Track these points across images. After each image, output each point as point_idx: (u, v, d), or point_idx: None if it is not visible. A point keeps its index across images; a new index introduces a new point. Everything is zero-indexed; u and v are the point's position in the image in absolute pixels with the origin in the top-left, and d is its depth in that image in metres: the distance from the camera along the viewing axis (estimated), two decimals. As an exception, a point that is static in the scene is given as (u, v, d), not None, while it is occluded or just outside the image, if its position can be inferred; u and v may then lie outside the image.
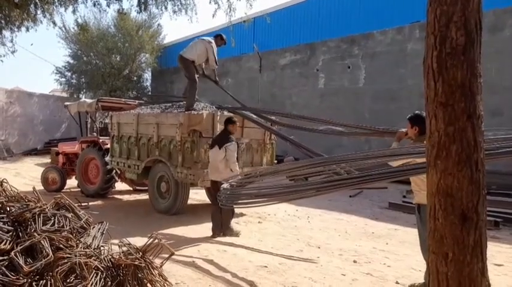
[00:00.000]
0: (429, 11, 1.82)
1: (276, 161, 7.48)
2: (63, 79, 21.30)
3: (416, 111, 3.62)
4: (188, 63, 6.76)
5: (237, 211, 6.89)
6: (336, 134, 5.53)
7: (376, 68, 12.27)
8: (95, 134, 9.31)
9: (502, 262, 4.50)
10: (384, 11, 12.10)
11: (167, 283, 2.90)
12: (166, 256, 3.02)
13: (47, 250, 2.52)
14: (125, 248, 2.95)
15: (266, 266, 4.17)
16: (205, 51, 6.86)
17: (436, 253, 1.82)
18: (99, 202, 7.72)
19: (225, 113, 6.65)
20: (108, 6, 9.25)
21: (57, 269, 2.41)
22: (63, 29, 19.07)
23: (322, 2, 14.01)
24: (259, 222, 6.39)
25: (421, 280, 3.55)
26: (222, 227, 5.40)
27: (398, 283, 3.82)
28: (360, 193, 9.29)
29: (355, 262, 4.44)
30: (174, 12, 9.25)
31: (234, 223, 5.71)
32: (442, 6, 1.74)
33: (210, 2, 8.75)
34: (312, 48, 14.27)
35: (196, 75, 6.88)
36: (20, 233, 2.75)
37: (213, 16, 8.90)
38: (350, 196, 8.95)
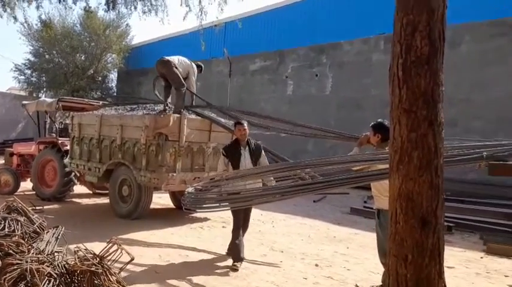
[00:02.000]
0: (396, 20, 1.87)
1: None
2: (22, 77, 20.50)
3: (379, 119, 3.70)
4: (173, 68, 6.60)
5: (201, 215, 6.82)
6: (304, 135, 5.68)
7: (343, 77, 12.60)
8: (53, 134, 8.89)
9: (454, 264, 4.72)
10: (352, 22, 12.47)
11: (126, 289, 2.79)
12: (126, 261, 2.91)
13: (-5, 256, 2.36)
14: (81, 254, 2.81)
15: (229, 271, 4.13)
16: (188, 72, 6.90)
17: (396, 256, 1.86)
18: (55, 206, 7.36)
19: (193, 116, 6.54)
20: (75, 3, 8.97)
21: (5, 277, 2.26)
22: (25, 25, 18.16)
23: (293, 10, 14.25)
24: (223, 227, 6.31)
25: (379, 283, 3.63)
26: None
27: (357, 286, 3.89)
28: (324, 198, 9.44)
29: (316, 265, 4.50)
30: (144, 12, 9.07)
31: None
32: (409, 15, 1.80)
33: (181, 5, 8.66)
34: (282, 55, 14.45)
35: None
36: (-35, 238, 2.56)
37: (184, 19, 8.83)
38: (314, 201, 9.08)
